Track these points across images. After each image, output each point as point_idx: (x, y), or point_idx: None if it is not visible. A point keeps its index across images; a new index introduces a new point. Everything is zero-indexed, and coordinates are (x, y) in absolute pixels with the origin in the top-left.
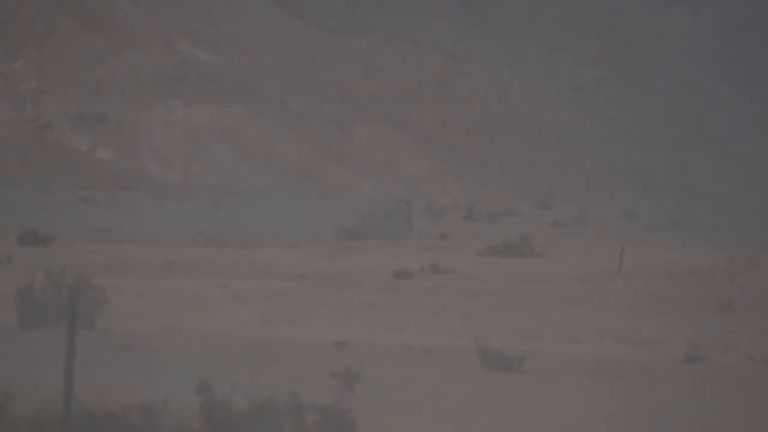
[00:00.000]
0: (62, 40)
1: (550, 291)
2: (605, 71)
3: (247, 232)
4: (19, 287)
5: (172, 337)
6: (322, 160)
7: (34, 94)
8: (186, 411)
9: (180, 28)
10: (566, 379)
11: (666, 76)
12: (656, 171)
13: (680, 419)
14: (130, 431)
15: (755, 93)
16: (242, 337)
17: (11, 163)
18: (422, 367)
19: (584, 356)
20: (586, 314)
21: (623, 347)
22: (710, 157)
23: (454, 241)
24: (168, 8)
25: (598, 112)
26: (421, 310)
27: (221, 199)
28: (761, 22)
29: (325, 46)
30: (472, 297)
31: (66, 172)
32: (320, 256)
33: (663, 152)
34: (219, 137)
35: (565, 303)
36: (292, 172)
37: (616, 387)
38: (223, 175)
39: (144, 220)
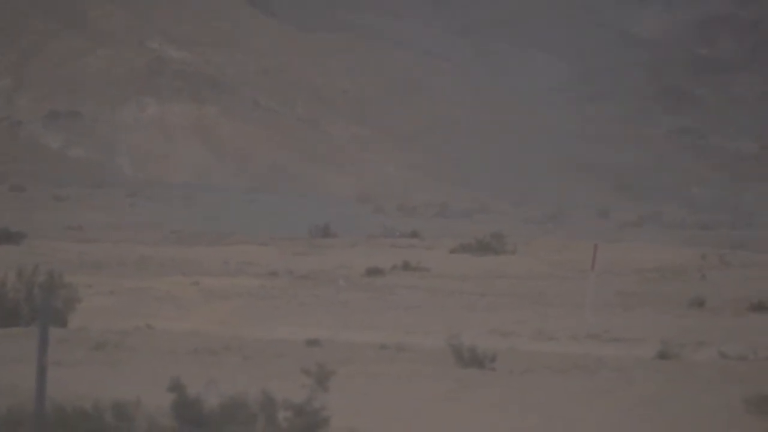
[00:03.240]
0: (35, 38)
1: (522, 288)
2: (580, 69)
3: (221, 230)
4: None
5: (145, 336)
6: (296, 159)
7: (7, 92)
8: (159, 409)
9: (153, 26)
10: (539, 377)
11: (640, 75)
12: (631, 169)
13: (652, 416)
14: (103, 429)
15: (729, 91)
16: (215, 335)
17: None
18: (395, 364)
19: (557, 354)
20: (559, 312)
21: (596, 345)
22: (684, 156)
23: (427, 239)
24: (141, 6)
25: (573, 111)
26: (393, 308)
27: (194, 197)
28: (734, 20)
29: (300, 45)
30: (445, 294)
31: (38, 170)
32: (293, 254)
33: (637, 150)
34: (192, 135)
35: (538, 300)
36: (266, 171)
37: (588, 384)
38: (196, 173)
39: (117, 217)
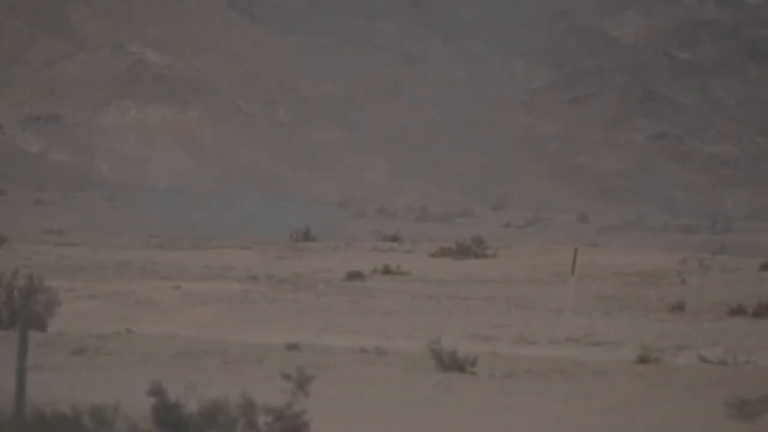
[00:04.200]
0: (15, 42)
1: (503, 293)
2: (560, 73)
3: (201, 234)
4: None
5: (125, 340)
6: (277, 163)
7: None
8: (139, 413)
9: (133, 30)
10: (520, 381)
11: (621, 79)
12: (611, 173)
13: (632, 420)
14: None
15: (709, 95)
16: (195, 339)
17: None
18: (375, 368)
19: (538, 358)
20: (540, 316)
21: (576, 349)
22: (665, 160)
23: (407, 243)
24: (121, 10)
25: (553, 115)
26: (374, 312)
27: (175, 201)
28: (714, 24)
29: (280, 48)
30: (426, 298)
31: (18, 174)
32: (274, 258)
33: (618, 154)
34: (172, 139)
35: (518, 305)
36: (247, 175)
37: (568, 388)
38: (176, 177)
39: (97, 221)
